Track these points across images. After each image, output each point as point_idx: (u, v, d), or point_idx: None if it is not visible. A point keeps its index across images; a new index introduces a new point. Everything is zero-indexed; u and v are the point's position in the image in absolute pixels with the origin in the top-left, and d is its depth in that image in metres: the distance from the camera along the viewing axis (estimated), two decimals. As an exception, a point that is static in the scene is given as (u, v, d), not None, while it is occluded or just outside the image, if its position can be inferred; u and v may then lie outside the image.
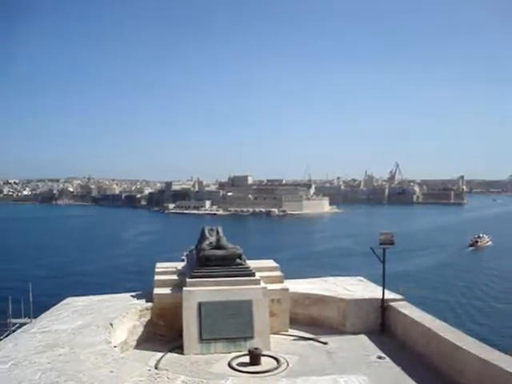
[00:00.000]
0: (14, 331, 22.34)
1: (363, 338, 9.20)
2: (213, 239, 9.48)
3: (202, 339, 8.50)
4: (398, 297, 9.84)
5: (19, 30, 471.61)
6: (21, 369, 6.20)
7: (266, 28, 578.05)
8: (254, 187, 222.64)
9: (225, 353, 8.38)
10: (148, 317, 9.20)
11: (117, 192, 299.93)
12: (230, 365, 7.86)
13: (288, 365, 7.85)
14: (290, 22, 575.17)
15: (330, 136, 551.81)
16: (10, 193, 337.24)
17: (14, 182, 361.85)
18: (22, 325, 22.72)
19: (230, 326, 8.55)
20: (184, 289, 8.68)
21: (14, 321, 26.42)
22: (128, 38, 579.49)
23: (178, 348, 8.57)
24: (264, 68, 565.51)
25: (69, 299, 10.44)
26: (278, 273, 10.08)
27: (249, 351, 7.92)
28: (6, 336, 22.45)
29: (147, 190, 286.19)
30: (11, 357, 6.67)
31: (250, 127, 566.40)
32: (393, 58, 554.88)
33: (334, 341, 8.97)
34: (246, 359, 7.92)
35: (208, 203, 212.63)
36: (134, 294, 10.18)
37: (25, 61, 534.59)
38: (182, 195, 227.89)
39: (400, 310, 9.09)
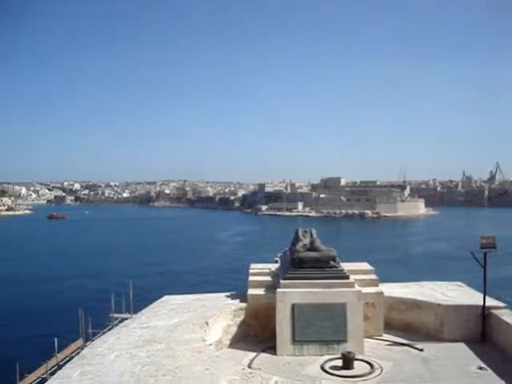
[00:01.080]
0: (115, 325, 23.54)
1: (462, 346, 8.77)
2: (306, 241, 9.43)
3: (294, 341, 8.49)
4: (501, 304, 9.29)
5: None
6: (123, 360, 6.52)
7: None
8: (347, 189, 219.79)
9: (317, 355, 8.31)
10: (242, 317, 9.31)
11: (211, 194, 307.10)
12: (322, 367, 7.78)
13: (382, 370, 7.64)
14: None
15: (426, 136, 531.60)
16: (111, 195, 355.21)
17: (115, 185, 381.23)
18: (123, 319, 23.91)
19: (323, 328, 8.47)
20: (278, 290, 8.70)
21: (116, 315, 27.87)
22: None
23: (271, 348, 8.60)
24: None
25: (166, 297, 10.80)
26: (372, 276, 9.86)
27: (342, 355, 7.80)
28: (109, 329, 23.68)
29: (240, 192, 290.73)
30: (114, 349, 7.04)
31: (345, 129, 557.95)
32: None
33: (430, 348, 8.63)
34: (339, 363, 7.80)
35: (300, 205, 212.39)
36: (228, 293, 10.34)
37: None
38: (274, 197, 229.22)
39: (503, 318, 8.58)
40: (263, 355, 8.43)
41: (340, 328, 8.45)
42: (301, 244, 9.37)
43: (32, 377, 21.49)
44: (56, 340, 22.97)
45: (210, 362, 6.28)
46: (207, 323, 8.34)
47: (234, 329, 9.18)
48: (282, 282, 8.82)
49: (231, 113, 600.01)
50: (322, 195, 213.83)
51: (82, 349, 22.05)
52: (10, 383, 20.91)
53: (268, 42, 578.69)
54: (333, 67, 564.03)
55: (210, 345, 7.78)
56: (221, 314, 9.00)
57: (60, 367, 19.01)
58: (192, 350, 6.83)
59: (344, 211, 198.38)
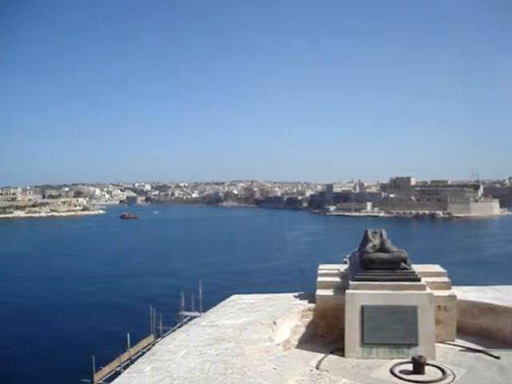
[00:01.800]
0: (185, 323, 24.02)
1: (543, 356, 8.32)
2: (376, 242, 9.25)
3: (363, 343, 8.35)
4: None
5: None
6: (192, 357, 6.63)
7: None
8: (417, 189, 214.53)
9: (387, 358, 8.14)
10: (310, 317, 9.25)
11: (279, 194, 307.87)
12: (392, 371, 7.60)
13: (454, 377, 7.36)
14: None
15: (498, 133, 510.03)
16: (181, 195, 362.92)
17: (184, 186, 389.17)
18: (192, 318, 24.41)
19: (393, 331, 8.28)
20: (347, 291, 8.59)
21: (185, 313, 28.47)
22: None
23: (339, 350, 8.49)
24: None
25: (234, 296, 10.90)
26: (444, 279, 9.54)
27: (412, 359, 7.59)
28: (179, 327, 24.19)
29: (308, 192, 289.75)
30: (184, 346, 7.18)
31: (413, 127, 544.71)
32: None
33: (507, 356, 8.22)
34: (409, 367, 7.58)
35: (369, 205, 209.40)
36: (296, 294, 10.31)
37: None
38: (342, 197, 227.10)
39: None
40: (331, 357, 8.33)
41: (410, 331, 8.24)
42: (370, 245, 9.21)
43: (106, 369, 22.32)
44: (128, 335, 23.75)
45: (277, 362, 6.28)
46: (275, 323, 8.34)
47: (302, 329, 9.13)
48: (351, 283, 8.70)
49: (299, 112, 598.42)
50: (391, 195, 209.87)
51: (153, 345, 22.71)
52: (86, 374, 21.79)
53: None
54: (400, 64, 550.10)
55: (278, 345, 7.78)
56: (289, 314, 8.98)
57: (132, 362, 19.61)
58: (260, 349, 6.85)
59: (414, 211, 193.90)
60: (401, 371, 7.53)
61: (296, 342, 8.98)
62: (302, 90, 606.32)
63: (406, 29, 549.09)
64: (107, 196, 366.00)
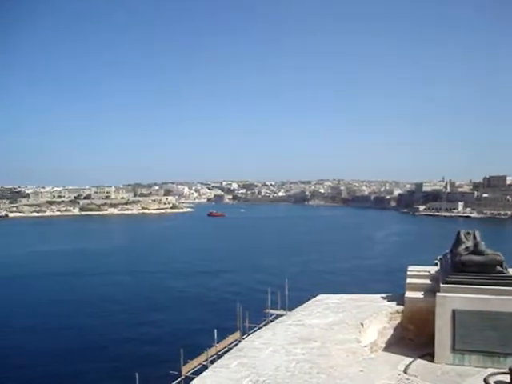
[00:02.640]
0: (271, 321, 24.16)
1: None
2: (469, 244, 8.86)
3: (454, 349, 8.02)
4: None
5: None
6: (278, 355, 6.67)
7: None
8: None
9: (480, 367, 7.76)
10: (398, 320, 9.04)
11: (366, 193, 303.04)
12: (486, 381, 7.21)
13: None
14: None
15: None
16: (267, 194, 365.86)
17: (271, 184, 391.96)
18: (278, 316, 24.49)
19: (487, 338, 7.89)
20: (437, 294, 8.30)
21: (271, 311, 28.59)
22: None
23: (428, 355, 8.22)
24: None
25: (321, 296, 10.85)
26: (545, 284, 8.98)
27: (509, 369, 7.16)
28: (265, 325, 24.38)
29: (396, 192, 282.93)
30: (270, 344, 7.24)
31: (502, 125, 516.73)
32: None
33: None
34: (506, 378, 7.15)
35: (460, 205, 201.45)
36: (383, 295, 10.11)
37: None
38: (432, 197, 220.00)
39: None
40: (420, 361, 8.09)
41: (508, 340, 7.80)
42: (463, 247, 8.83)
43: (194, 363, 22.83)
44: (216, 331, 24.20)
45: (364, 364, 6.18)
46: (362, 324, 8.22)
47: (390, 331, 8.94)
48: (442, 285, 8.39)
49: (381, 111, 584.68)
50: (484, 195, 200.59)
51: (239, 341, 23.02)
52: (174, 367, 22.44)
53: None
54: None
55: (365, 346, 7.66)
56: (377, 315, 8.82)
57: (219, 357, 20.00)
58: (346, 350, 6.78)
59: (510, 212, 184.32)
60: (496, 382, 7.13)
61: (383, 345, 8.80)
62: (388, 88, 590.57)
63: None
64: (195, 194, 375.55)
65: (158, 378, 23.81)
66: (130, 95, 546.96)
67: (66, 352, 36.65)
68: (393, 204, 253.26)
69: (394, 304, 9.35)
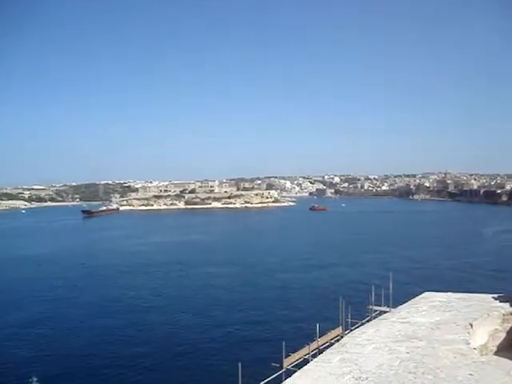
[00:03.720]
0: (374, 317, 23.75)
1: None
2: None
3: None
4: None
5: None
6: (381, 353, 6.53)
7: None
8: None
9: None
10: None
11: (475, 187, 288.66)
12: None
13: None
14: None
15: None
16: (370, 188, 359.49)
17: (374, 178, 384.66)
18: (381, 312, 24.03)
19: None
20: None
21: (375, 307, 28.09)
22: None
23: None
24: None
25: (426, 293, 10.50)
26: None
27: None
28: (368, 321, 24.02)
29: (509, 185, 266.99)
30: (373, 341, 7.10)
31: None
32: None
33: None
34: None
35: None
36: (495, 295, 9.59)
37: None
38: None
39: None
40: (536, 368, 7.59)
41: None
42: None
43: (295, 356, 22.97)
44: (318, 325, 24.18)
45: (474, 368, 5.89)
46: (472, 325, 7.85)
47: (502, 335, 8.45)
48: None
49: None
50: None
51: (342, 337, 22.85)
52: (276, 359, 22.71)
53: None
54: None
55: (474, 349, 7.31)
56: (487, 317, 8.37)
57: (320, 351, 19.94)
58: (454, 351, 6.50)
59: None
60: None
61: (494, 348, 8.35)
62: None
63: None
64: (297, 188, 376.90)
65: (259, 370, 24.17)
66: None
67: (174, 343, 38.35)
68: (504, 199, 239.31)
69: (507, 305, 8.84)
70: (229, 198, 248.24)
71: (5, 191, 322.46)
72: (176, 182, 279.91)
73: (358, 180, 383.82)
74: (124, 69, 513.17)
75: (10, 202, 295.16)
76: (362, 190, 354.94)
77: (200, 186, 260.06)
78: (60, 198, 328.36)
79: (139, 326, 41.98)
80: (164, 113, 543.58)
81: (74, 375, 32.25)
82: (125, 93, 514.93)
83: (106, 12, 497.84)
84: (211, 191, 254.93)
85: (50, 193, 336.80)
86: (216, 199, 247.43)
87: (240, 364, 20.48)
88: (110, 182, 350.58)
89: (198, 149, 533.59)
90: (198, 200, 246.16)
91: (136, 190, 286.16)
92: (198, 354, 35.11)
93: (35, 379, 29.89)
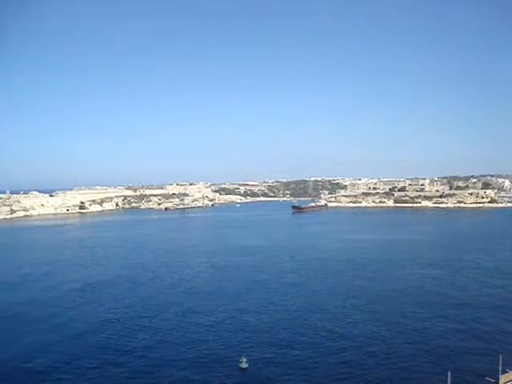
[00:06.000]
0: None
1: None
2: None
3: None
4: None
5: None
6: None
7: None
8: None
9: None
10: None
11: None
12: None
13: None
14: None
15: None
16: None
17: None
18: None
19: None
20: None
21: None
22: None
23: None
24: None
25: None
26: None
27: None
28: None
29: None
30: None
31: None
32: None
33: None
34: None
35: None
36: None
37: None
38: None
39: None
40: None
41: None
42: None
43: (514, 374, 20.98)
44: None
45: None
46: None
47: None
48: None
49: None
50: None
51: None
52: (490, 373, 20.96)
53: None
54: None
55: None
56: None
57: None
58: None
59: None
60: None
61: None
62: None
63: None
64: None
65: (470, 382, 22.52)
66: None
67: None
68: None
69: None
70: (440, 197, 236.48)
71: (223, 186, 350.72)
72: (385, 179, 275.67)
73: None
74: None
75: (228, 196, 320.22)
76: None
77: (410, 184, 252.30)
78: (272, 194, 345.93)
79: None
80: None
81: (278, 361, 33.88)
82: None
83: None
84: (421, 189, 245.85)
85: (263, 188, 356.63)
86: (426, 198, 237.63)
87: (449, 373, 19.35)
88: (319, 178, 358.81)
89: (407, 144, 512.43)
90: (407, 198, 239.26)
91: (344, 187, 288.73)
92: (407, 357, 34.06)
93: (244, 360, 32.41)
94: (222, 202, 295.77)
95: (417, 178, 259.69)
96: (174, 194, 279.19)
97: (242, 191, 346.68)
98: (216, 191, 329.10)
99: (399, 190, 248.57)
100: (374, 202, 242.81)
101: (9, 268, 73.64)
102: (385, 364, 32.63)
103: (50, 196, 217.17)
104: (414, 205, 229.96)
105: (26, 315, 46.62)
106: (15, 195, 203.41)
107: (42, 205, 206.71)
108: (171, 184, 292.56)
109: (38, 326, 42.91)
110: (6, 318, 46.03)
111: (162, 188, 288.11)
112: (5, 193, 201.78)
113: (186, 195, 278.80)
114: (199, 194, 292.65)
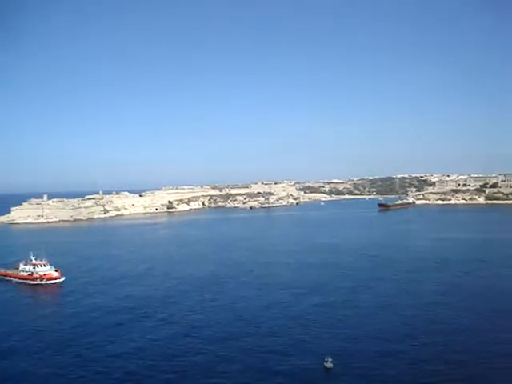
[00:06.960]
0: None
1: None
2: None
3: None
4: None
5: None
6: None
7: None
8: None
9: None
10: None
11: None
12: None
13: None
14: None
15: None
16: None
17: None
18: None
19: None
20: None
21: None
22: None
23: None
24: None
25: None
26: None
27: None
28: None
29: None
30: None
31: None
32: None
33: None
34: None
35: None
36: None
37: None
38: None
39: None
40: None
41: None
42: None
43: None
44: None
45: None
46: None
47: None
48: None
49: None
50: None
51: None
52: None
53: None
54: None
55: None
56: None
57: None
58: None
59: None
60: None
61: None
62: None
63: None
64: None
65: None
66: None
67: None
68: None
69: None
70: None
71: (307, 184, 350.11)
72: (475, 175, 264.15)
73: None
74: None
75: (312, 194, 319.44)
76: None
77: (503, 180, 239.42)
78: (357, 192, 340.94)
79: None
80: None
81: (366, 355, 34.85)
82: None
83: None
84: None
85: (348, 186, 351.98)
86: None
87: None
88: (406, 175, 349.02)
89: (499, 137, 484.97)
90: (500, 195, 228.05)
91: (432, 184, 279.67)
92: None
93: (330, 359, 32.43)
94: (306, 200, 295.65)
95: (511, 174, 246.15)
96: (258, 192, 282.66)
97: (327, 189, 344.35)
98: (300, 189, 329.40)
99: (491, 187, 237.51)
100: (463, 199, 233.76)
101: (120, 263, 79.11)
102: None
103: (140, 196, 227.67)
104: (508, 201, 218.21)
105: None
106: (108, 195, 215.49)
107: (133, 204, 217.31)
108: (256, 183, 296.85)
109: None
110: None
111: (246, 187, 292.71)
112: (98, 193, 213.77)
113: (271, 194, 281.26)
114: (284, 192, 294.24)
